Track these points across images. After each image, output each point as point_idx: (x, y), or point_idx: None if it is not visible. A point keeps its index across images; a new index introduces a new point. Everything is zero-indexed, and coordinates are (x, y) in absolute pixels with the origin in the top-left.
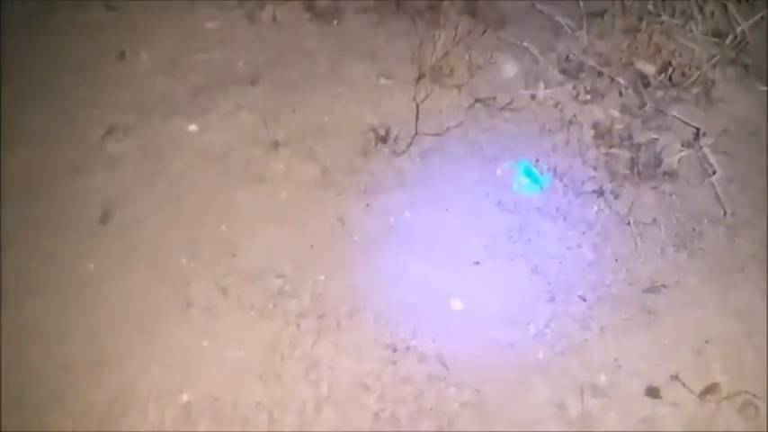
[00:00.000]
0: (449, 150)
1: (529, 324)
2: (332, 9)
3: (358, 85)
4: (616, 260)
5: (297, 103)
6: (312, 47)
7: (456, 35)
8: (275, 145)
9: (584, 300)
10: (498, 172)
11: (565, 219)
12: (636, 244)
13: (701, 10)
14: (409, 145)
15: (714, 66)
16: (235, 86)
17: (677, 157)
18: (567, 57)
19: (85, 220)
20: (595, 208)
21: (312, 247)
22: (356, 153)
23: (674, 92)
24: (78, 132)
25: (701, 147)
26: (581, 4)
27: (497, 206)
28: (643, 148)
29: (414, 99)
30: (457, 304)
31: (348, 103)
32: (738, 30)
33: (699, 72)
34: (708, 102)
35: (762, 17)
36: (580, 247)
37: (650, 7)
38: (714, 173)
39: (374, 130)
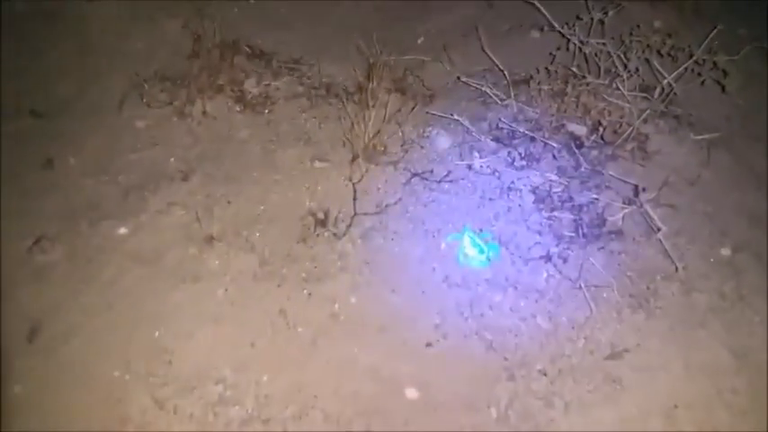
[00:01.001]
0: (390, 228)
1: (490, 407)
2: (262, 98)
3: (293, 171)
4: (573, 328)
5: (231, 194)
6: (244, 137)
7: (386, 113)
8: (209, 240)
9: (545, 374)
10: (443, 246)
11: (515, 288)
12: (591, 309)
13: (626, 67)
14: (349, 226)
15: (645, 120)
16: (166, 184)
17: (620, 216)
18: (498, 125)
19: (11, 339)
20: (545, 274)
21: (253, 345)
22: (295, 240)
23: (608, 150)
24: (2, 246)
25: (641, 203)
26: (506, 73)
27: (445, 282)
28: (585, 209)
29: (350, 179)
30: (412, 393)
31: (284, 190)
32: (665, 82)
33: (631, 128)
34: (644, 156)
35: (686, 68)
36: (534, 317)
37: (575, 69)
38: (659, 229)
39: (313, 214)
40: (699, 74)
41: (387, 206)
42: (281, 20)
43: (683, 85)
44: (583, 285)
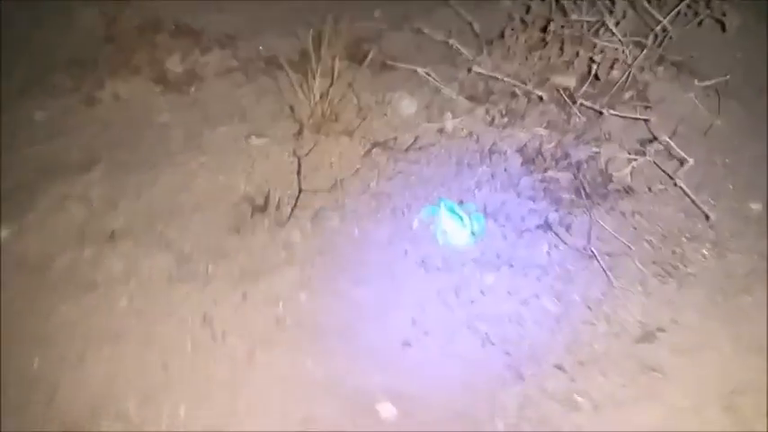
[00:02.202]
0: (348, 207)
1: (494, 419)
2: (187, 76)
3: (224, 151)
4: (589, 307)
5: (144, 183)
6: (165, 120)
7: (333, 78)
8: (111, 238)
9: (563, 369)
10: (415, 224)
11: (511, 266)
12: (609, 281)
13: (611, 12)
14: (294, 208)
15: (642, 68)
16: (62, 177)
17: (628, 170)
18: (471, 83)
19: None
20: (546, 246)
21: (166, 366)
22: (226, 231)
23: (603, 99)
24: None
25: (651, 155)
26: (475, 26)
27: (421, 266)
28: (585, 166)
29: (294, 154)
30: (387, 410)
31: (212, 174)
32: (658, 27)
33: (626, 73)
34: (646, 105)
35: (679, 11)
36: (538, 298)
37: (554, 18)
38: (673, 180)
39: (249, 199)
40: (695, 13)
41: (342, 181)
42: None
43: (679, 29)
44: (596, 254)
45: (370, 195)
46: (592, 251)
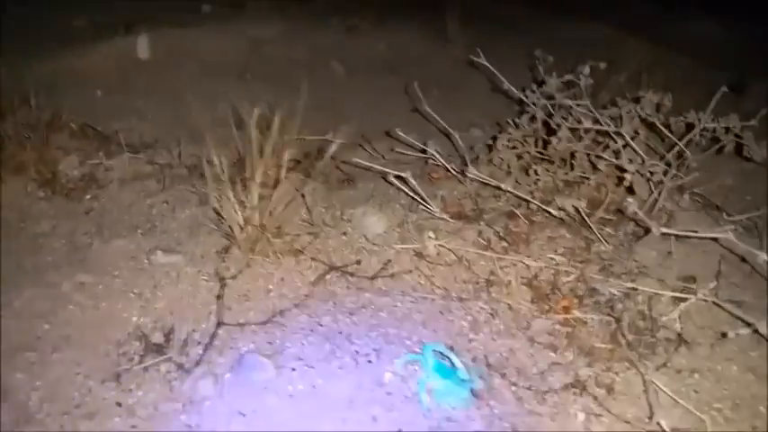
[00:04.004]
0: (289, 352)
1: None
2: (84, 182)
3: (117, 269)
4: None
5: None
6: (44, 229)
7: (277, 181)
8: None
9: None
10: (387, 378)
11: None
12: None
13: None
14: (206, 350)
15: (660, 193)
16: None
17: (676, 313)
18: (457, 200)
19: None
20: (582, 416)
21: None
22: (100, 378)
23: (627, 227)
24: None
25: (704, 294)
26: (456, 137)
27: None
28: (619, 305)
29: (216, 274)
30: None
31: (94, 298)
32: (671, 153)
33: (656, 197)
34: (677, 237)
35: (692, 136)
36: None
37: (546, 138)
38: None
39: (141, 336)
40: (713, 139)
41: (282, 313)
42: (138, 107)
43: (696, 155)
44: (666, 430)
45: (321, 336)
46: (660, 426)
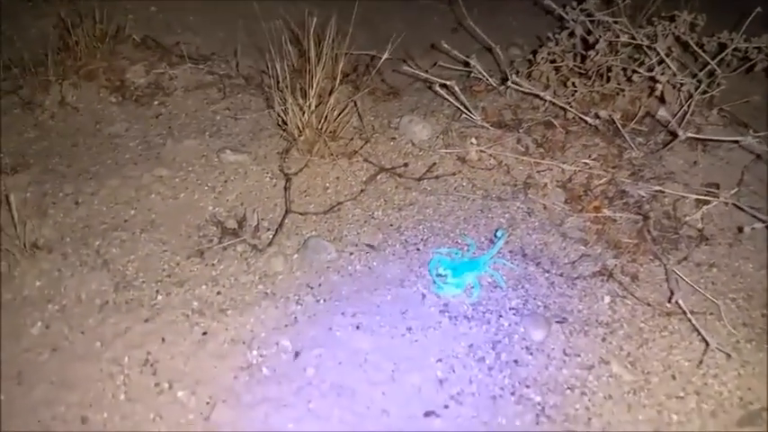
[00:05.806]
0: (347, 238)
1: None
2: (151, 89)
3: (190, 166)
4: (673, 377)
5: (83, 192)
6: (118, 131)
7: (333, 89)
8: (32, 251)
9: None
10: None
11: (564, 320)
12: (705, 346)
13: (652, 49)
14: (277, 233)
15: (689, 107)
16: None
17: (699, 214)
18: (498, 110)
19: None
20: (607, 298)
21: (86, 421)
22: (185, 254)
23: (658, 136)
24: None
25: (726, 198)
26: (497, 51)
27: (444, 314)
28: (647, 206)
29: (281, 170)
30: None
31: (172, 190)
32: (702, 72)
33: (686, 111)
34: (704, 148)
35: (723, 56)
36: (607, 363)
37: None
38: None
39: (217, 222)
40: (744, 58)
41: (340, 205)
42: (191, 23)
43: (727, 73)
44: (685, 310)
45: (374, 226)
46: (679, 306)
